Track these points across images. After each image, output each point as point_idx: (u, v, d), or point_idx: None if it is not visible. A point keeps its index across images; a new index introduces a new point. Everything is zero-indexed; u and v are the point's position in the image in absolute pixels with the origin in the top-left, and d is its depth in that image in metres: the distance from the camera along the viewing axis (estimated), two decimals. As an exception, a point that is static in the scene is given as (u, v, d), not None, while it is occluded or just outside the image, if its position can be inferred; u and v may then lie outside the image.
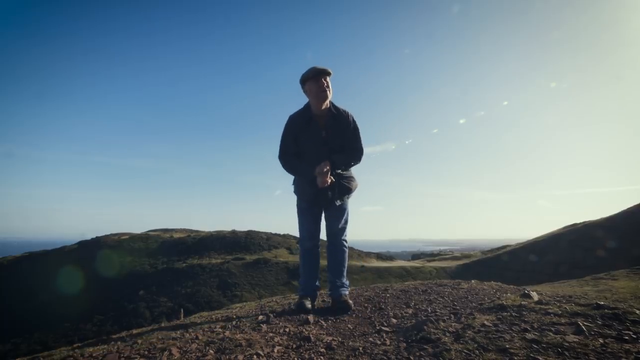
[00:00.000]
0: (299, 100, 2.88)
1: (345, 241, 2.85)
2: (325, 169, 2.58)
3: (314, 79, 2.59)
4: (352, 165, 2.85)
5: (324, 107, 2.67)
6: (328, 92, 2.62)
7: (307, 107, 2.75)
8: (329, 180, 2.61)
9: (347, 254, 2.86)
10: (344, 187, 2.75)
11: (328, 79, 2.64)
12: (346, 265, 2.86)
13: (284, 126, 2.80)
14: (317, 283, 2.92)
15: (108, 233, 53.22)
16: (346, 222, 2.84)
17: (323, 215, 2.88)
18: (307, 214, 2.83)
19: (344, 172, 2.80)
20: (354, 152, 2.79)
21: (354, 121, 2.79)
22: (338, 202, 2.75)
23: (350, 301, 2.70)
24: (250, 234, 51.98)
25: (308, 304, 2.69)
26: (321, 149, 2.70)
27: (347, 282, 2.86)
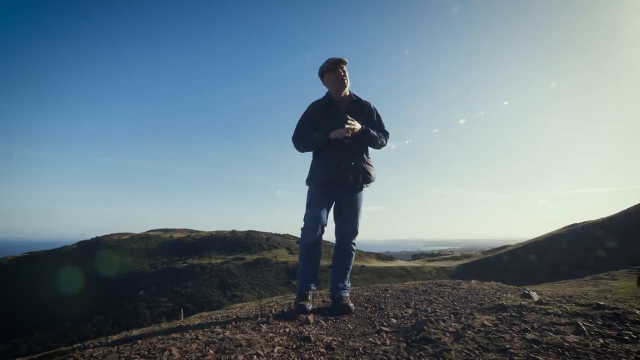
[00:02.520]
0: (300, 99, 2.91)
1: (354, 244, 2.79)
2: (347, 127, 2.53)
3: (332, 70, 2.67)
4: (381, 144, 2.79)
5: (343, 94, 2.74)
6: (346, 80, 2.69)
7: (327, 94, 2.80)
8: (349, 132, 2.52)
9: (354, 258, 2.80)
10: (366, 173, 2.70)
11: (345, 67, 2.70)
12: (351, 268, 2.81)
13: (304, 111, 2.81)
14: (316, 284, 2.74)
15: (108, 233, 53.31)
16: (359, 224, 2.76)
17: (332, 213, 2.78)
18: (319, 201, 2.67)
19: (367, 158, 2.77)
20: (382, 134, 2.84)
21: (376, 109, 2.85)
22: (359, 188, 2.68)
23: (352, 304, 2.64)
24: (250, 234, 52.03)
25: (308, 305, 2.54)
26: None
27: (349, 285, 2.82)
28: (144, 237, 51.78)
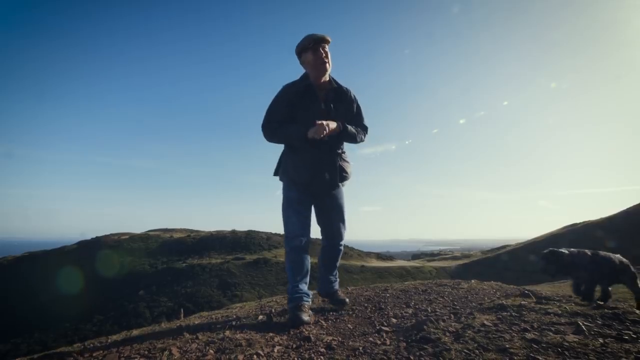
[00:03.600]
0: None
1: (342, 241, 2.69)
2: (325, 123, 2.26)
3: (312, 49, 2.33)
4: (359, 140, 2.58)
5: (323, 80, 2.42)
6: (327, 63, 2.35)
7: (305, 75, 2.46)
8: (326, 130, 2.25)
9: (342, 253, 2.74)
10: (342, 170, 2.49)
11: (327, 47, 2.36)
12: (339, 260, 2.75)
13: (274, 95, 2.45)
14: (309, 294, 2.45)
15: (108, 233, 53.35)
16: (345, 221, 2.64)
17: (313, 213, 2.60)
18: (298, 205, 2.44)
19: (343, 154, 2.54)
20: (361, 129, 2.60)
21: (356, 99, 2.59)
22: (337, 186, 2.50)
23: (345, 296, 2.70)
24: (250, 234, 52.06)
25: (305, 316, 2.24)
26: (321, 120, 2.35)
27: (337, 273, 2.74)
28: (144, 237, 51.81)
